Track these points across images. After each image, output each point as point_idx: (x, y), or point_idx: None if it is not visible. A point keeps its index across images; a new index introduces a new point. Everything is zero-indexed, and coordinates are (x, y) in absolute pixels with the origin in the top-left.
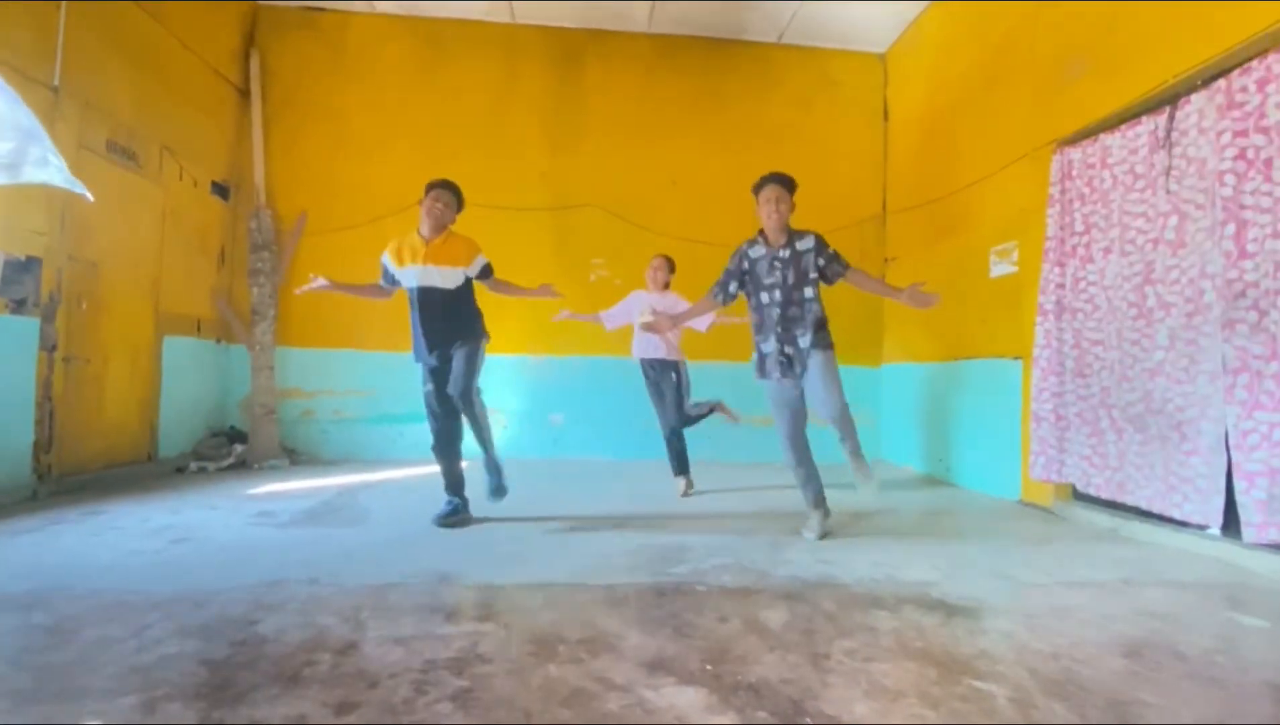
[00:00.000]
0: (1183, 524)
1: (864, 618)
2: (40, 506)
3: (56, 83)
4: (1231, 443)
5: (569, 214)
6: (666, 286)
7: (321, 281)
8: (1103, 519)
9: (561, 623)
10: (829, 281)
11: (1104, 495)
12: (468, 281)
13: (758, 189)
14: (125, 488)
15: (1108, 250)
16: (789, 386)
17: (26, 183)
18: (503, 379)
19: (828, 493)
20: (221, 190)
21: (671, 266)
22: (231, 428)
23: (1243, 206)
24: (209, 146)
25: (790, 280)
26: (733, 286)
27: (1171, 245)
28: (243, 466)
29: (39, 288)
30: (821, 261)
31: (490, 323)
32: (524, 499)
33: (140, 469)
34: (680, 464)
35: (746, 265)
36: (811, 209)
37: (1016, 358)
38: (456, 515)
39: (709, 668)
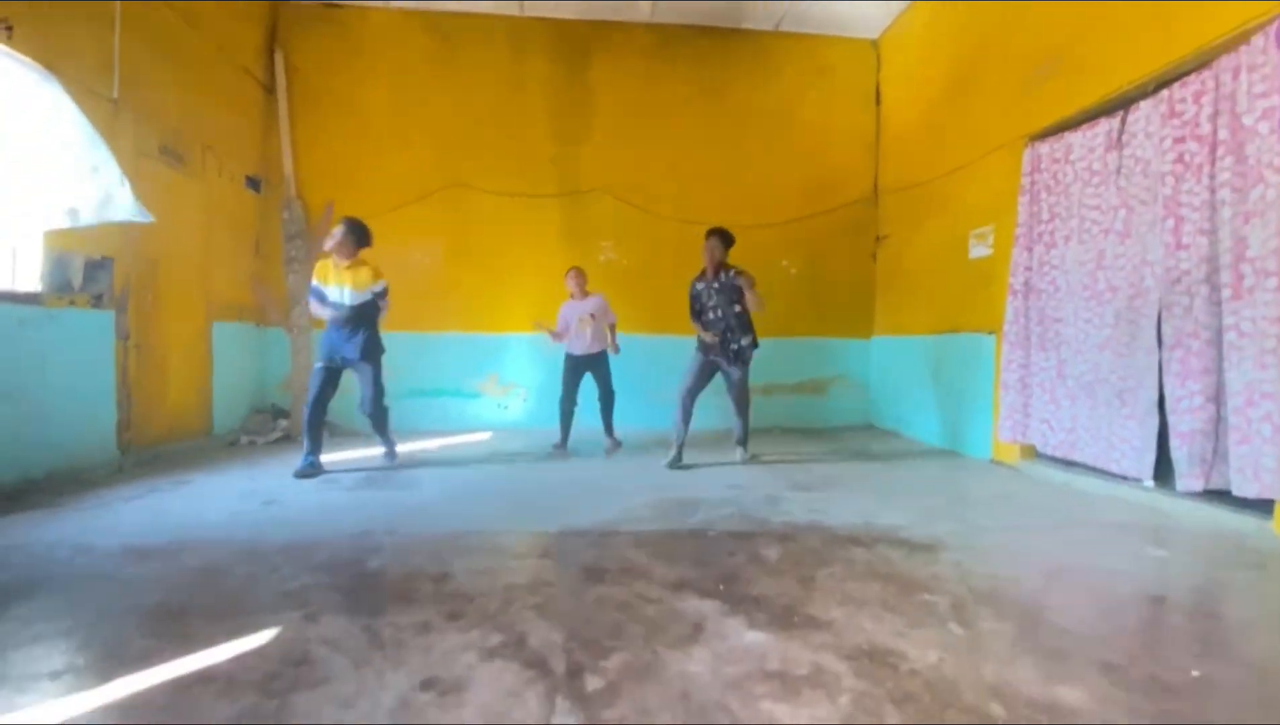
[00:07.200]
0: (1123, 478)
1: (843, 552)
2: (129, 478)
3: (116, 95)
4: (1168, 408)
5: (578, 199)
6: (585, 292)
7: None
8: (1058, 475)
9: (602, 558)
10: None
11: (1059, 454)
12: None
13: (706, 237)
14: (192, 461)
15: (1068, 237)
16: (714, 362)
17: (95, 224)
18: (524, 356)
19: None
20: (254, 183)
21: (581, 274)
22: (273, 405)
23: (1180, 204)
24: (241, 142)
25: (724, 302)
26: (695, 309)
27: (1120, 235)
28: (288, 440)
29: (113, 284)
30: (739, 282)
31: (506, 305)
32: (552, 465)
33: (200, 444)
34: (607, 422)
35: (693, 295)
36: (807, 190)
37: (990, 332)
38: (314, 469)
39: (721, 587)
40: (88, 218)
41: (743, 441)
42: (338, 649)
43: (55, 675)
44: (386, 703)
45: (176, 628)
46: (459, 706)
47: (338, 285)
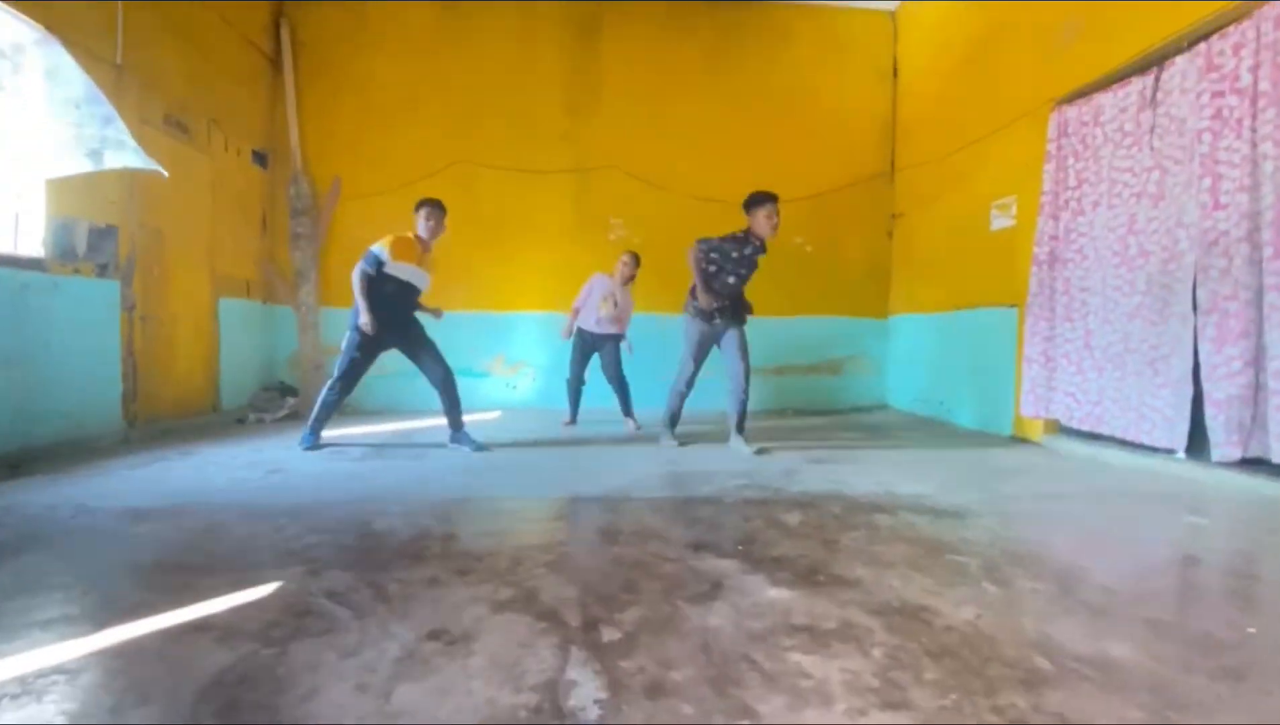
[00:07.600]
0: (1153, 449)
1: (866, 518)
2: (135, 448)
3: (120, 60)
4: (1203, 375)
5: (588, 175)
6: (629, 281)
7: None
8: (1083, 448)
9: (617, 521)
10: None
11: (1085, 427)
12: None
13: (760, 203)
14: (199, 434)
15: (1096, 203)
16: (718, 329)
17: (108, 168)
18: (532, 335)
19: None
20: (260, 158)
21: (638, 264)
22: (280, 382)
23: (1217, 162)
24: (247, 116)
25: (751, 273)
26: (714, 255)
27: (1153, 198)
28: (295, 417)
29: (117, 253)
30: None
31: (515, 284)
32: (561, 440)
33: (207, 419)
34: (626, 407)
35: (736, 255)
36: (821, 166)
37: (1011, 306)
38: (319, 444)
39: (740, 548)
40: (111, 162)
41: (742, 421)
42: (341, 601)
43: (47, 624)
44: (392, 651)
45: (174, 581)
46: (468, 656)
47: (418, 267)
